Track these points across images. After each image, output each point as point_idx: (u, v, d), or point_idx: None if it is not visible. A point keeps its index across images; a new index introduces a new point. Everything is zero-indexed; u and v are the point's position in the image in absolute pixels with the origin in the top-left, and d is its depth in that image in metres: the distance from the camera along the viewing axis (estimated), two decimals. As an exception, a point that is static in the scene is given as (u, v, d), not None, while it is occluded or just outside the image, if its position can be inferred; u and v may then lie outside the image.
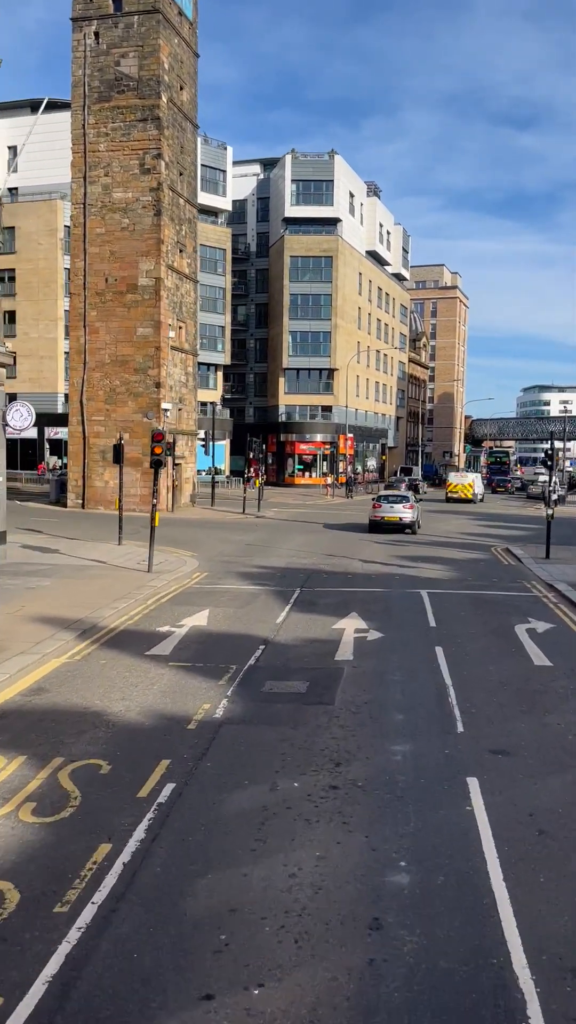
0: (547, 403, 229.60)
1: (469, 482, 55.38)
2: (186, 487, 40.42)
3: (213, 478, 41.61)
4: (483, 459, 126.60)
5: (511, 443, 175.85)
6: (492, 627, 14.93)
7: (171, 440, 36.36)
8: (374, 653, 12.78)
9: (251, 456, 38.62)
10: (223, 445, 62.79)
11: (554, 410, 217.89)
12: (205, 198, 60.87)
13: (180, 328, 39.35)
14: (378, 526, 31.48)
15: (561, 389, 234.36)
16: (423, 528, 33.17)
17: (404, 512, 31.41)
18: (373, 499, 34.44)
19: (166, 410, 37.18)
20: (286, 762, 8.25)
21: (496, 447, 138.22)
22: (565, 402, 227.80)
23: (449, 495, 54.60)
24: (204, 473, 59.14)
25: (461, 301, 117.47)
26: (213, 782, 7.74)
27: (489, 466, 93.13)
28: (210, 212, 62.64)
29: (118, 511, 25.54)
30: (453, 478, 57.31)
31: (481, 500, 56.30)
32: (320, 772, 8.01)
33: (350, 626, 14.63)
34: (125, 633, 13.80)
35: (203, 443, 41.94)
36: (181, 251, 39.26)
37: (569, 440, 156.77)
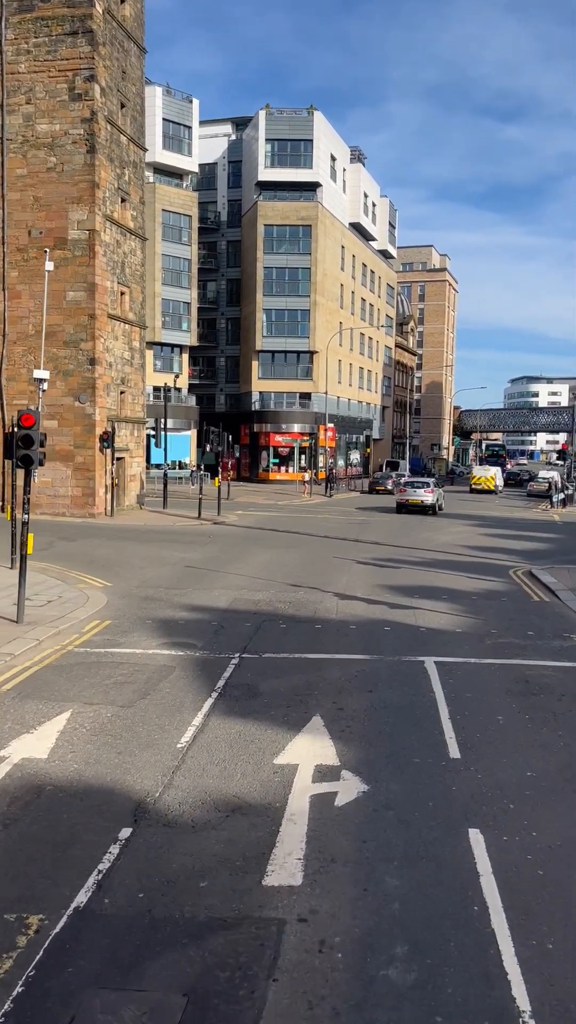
0: (535, 394, 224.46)
1: (491, 475, 60.48)
2: (131, 486, 33.73)
3: (165, 475, 34.94)
4: (472, 451, 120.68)
5: (498, 435, 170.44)
6: (568, 759, 8.40)
7: (109, 429, 29.73)
8: (347, 857, 6.26)
9: (208, 448, 32.00)
10: (188, 436, 56.05)
11: (542, 401, 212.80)
12: (168, 157, 54.05)
13: (123, 294, 32.59)
14: (404, 507, 38.32)
15: (550, 380, 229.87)
16: (419, 542, 26.79)
17: (425, 496, 38.04)
18: (399, 486, 42.54)
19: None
20: None
21: (484, 439, 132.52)
22: (554, 393, 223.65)
23: (473, 487, 59.70)
24: (168, 468, 52.41)
25: (450, 285, 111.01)
26: None
27: (486, 459, 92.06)
28: (173, 174, 55.77)
29: (9, 518, 18.86)
30: (477, 471, 63.15)
31: (501, 492, 59.75)
32: None
33: (308, 759, 8.13)
34: None
35: (153, 433, 35.23)
36: (124, 200, 32.46)
37: (562, 432, 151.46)
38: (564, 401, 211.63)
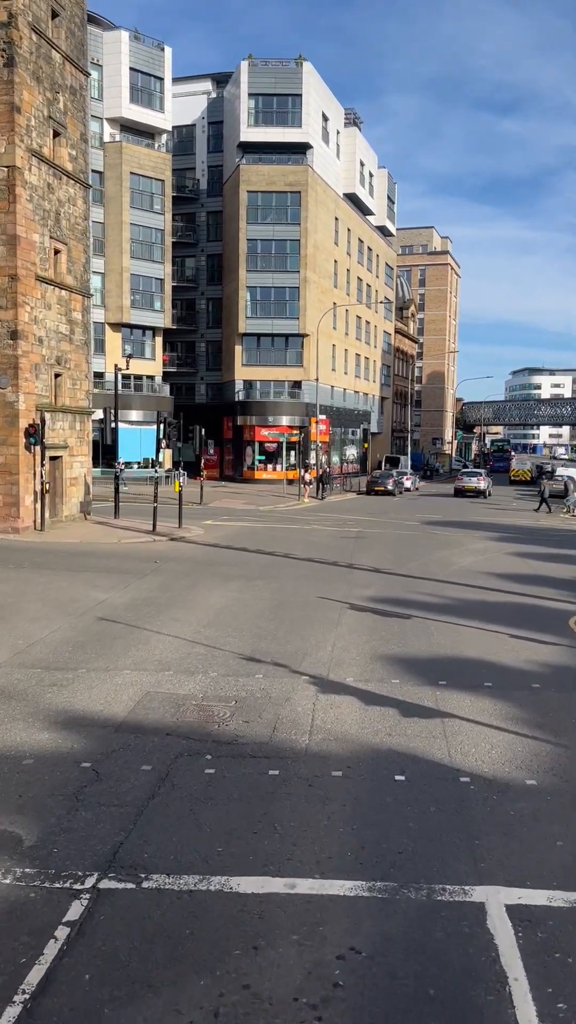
0: (538, 387, 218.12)
1: (528, 468, 67.57)
2: (72, 492, 27.30)
3: (116, 478, 28.47)
4: (475, 446, 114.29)
5: (498, 429, 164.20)
6: None
7: (38, 421, 23.37)
8: None
9: (166, 443, 25.62)
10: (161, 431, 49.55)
11: (545, 393, 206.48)
12: (136, 112, 47.55)
13: (57, 252, 26.15)
14: (461, 492, 48.54)
15: (552, 372, 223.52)
16: (432, 567, 20.42)
17: (479, 483, 48.73)
18: (456, 475, 56.26)
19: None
20: None
21: (486, 432, 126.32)
22: (557, 385, 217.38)
23: (512, 478, 65.57)
24: (137, 467, 46.10)
25: (452, 268, 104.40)
26: None
27: (492, 454, 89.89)
28: (144, 132, 49.27)
29: None
30: (516, 464, 70.87)
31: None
32: None
33: None
34: None
35: (101, 427, 28.79)
36: (58, 135, 25.99)
37: (565, 424, 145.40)
38: (567, 393, 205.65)
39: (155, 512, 25.51)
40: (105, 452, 45.94)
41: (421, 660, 11.66)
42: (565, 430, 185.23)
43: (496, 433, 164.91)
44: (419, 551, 23.41)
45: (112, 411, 28.25)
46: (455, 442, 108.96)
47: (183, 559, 20.79)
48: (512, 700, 9.96)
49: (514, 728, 8.99)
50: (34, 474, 24.41)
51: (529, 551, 24.03)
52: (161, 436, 25.42)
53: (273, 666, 11.18)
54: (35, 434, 23.83)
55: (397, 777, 7.64)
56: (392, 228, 75.19)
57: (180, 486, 26.32)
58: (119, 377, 28.00)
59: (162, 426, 25.57)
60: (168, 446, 26.23)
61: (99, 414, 35.44)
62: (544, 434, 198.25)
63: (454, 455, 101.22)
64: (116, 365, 28.82)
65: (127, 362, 31.20)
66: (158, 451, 26.10)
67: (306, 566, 20.02)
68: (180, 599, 15.58)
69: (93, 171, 47.85)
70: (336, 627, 13.54)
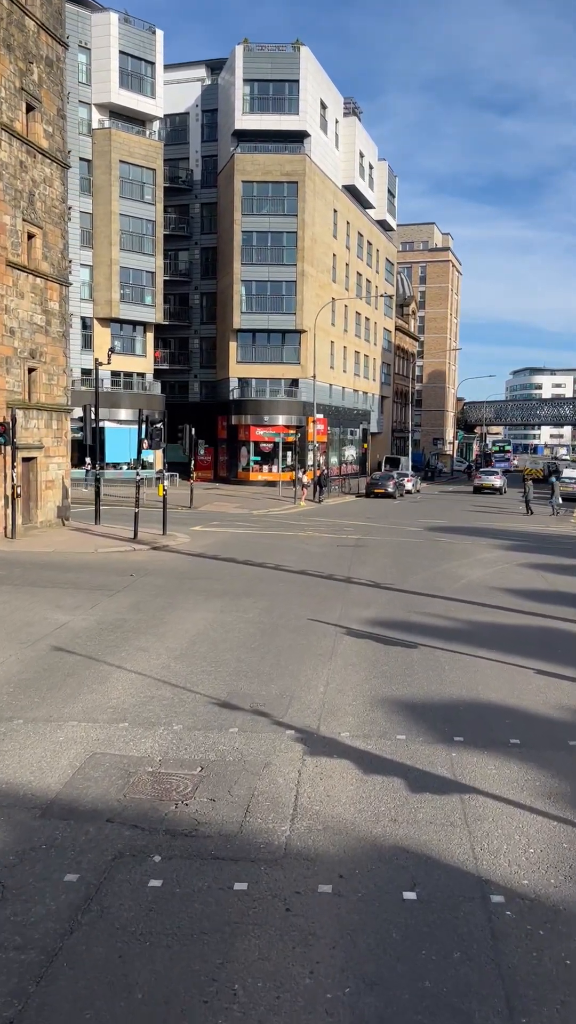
0: (539, 387, 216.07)
1: (540, 467, 71.49)
2: (48, 495, 25.33)
3: (97, 480, 26.49)
4: (476, 447, 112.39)
5: (498, 429, 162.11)
6: None
7: (9, 419, 21.45)
8: None
9: (147, 444, 23.63)
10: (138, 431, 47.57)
11: (546, 393, 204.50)
12: (126, 98, 45.60)
13: (31, 236, 24.18)
14: (480, 489, 52.93)
15: (553, 372, 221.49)
16: (438, 582, 18.46)
17: (495, 481, 53.27)
18: (475, 472, 63.89)
19: None
20: None
21: (486, 433, 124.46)
22: (558, 385, 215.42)
23: (525, 477, 67.57)
24: (126, 467, 44.15)
25: (454, 265, 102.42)
26: None
27: (493, 455, 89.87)
28: (134, 119, 47.31)
29: None
30: (530, 464, 73.34)
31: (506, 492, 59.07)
32: None
33: None
34: None
35: (79, 428, 26.85)
36: (33, 108, 24.02)
37: (566, 425, 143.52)
38: (568, 393, 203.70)
39: (136, 518, 23.53)
40: (93, 453, 43.99)
41: (431, 705, 9.70)
42: (566, 430, 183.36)
43: (496, 433, 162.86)
44: (423, 562, 21.45)
45: (92, 408, 26.22)
46: (456, 442, 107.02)
47: (163, 571, 18.82)
48: (547, 765, 7.99)
49: (555, 811, 7.03)
50: (4, 476, 22.45)
51: (543, 562, 22.06)
52: (143, 436, 23.39)
53: (252, 715, 9.22)
54: (4, 433, 21.86)
55: (406, 895, 5.68)
56: (392, 223, 73.21)
57: (165, 489, 24.34)
58: (99, 372, 25.98)
59: (144, 425, 23.54)
60: (152, 447, 24.21)
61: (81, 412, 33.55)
62: (545, 435, 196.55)
63: (455, 456, 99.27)
64: (96, 359, 26.86)
65: (109, 356, 29.21)
66: (140, 452, 24.04)
67: (299, 580, 18.05)
68: (152, 622, 13.61)
69: (81, 159, 45.96)
70: (330, 659, 11.59)
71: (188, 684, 10.29)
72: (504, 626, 14.10)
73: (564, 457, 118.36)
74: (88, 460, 37.70)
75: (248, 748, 8.26)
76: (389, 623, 13.98)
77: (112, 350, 30.25)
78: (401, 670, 11.12)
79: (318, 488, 42.23)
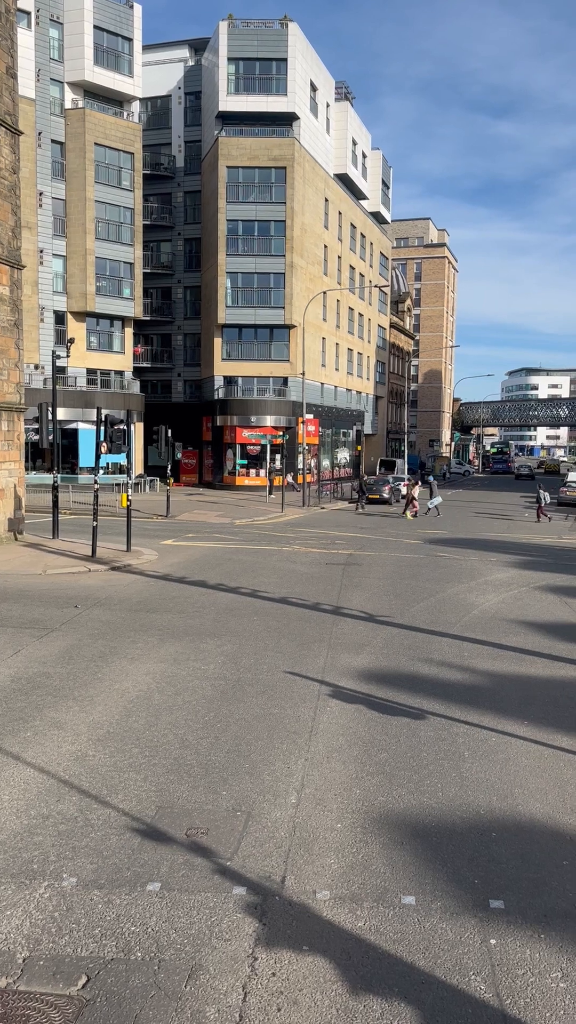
0: (535, 387, 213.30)
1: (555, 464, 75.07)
2: (-3, 506, 22.23)
3: (55, 487, 23.40)
4: (473, 448, 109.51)
5: (494, 430, 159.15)
6: None
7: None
8: None
9: (107, 448, 20.59)
10: (129, 432, 44.47)
11: (542, 394, 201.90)
12: (101, 76, 42.61)
13: (-26, 209, 21.08)
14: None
15: (548, 372, 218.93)
16: (444, 616, 15.40)
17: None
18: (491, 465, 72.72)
19: None
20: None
21: (483, 434, 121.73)
22: (555, 386, 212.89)
23: (547, 469, 71.09)
24: (103, 472, 40.98)
25: (450, 262, 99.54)
26: None
27: (493, 456, 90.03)
28: (110, 99, 44.28)
29: None
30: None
31: None
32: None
33: None
34: None
35: (35, 429, 23.77)
36: (-25, 63, 20.96)
37: (563, 426, 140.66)
38: (565, 393, 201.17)
39: (95, 532, 20.46)
40: (64, 456, 40.91)
41: (450, 830, 6.66)
42: (563, 431, 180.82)
43: (492, 435, 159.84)
44: (425, 584, 18.43)
45: (49, 407, 23.16)
46: (453, 444, 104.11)
47: (115, 600, 15.78)
48: None
49: None
50: None
51: (563, 584, 19.07)
52: (101, 439, 20.34)
53: (187, 853, 6.19)
54: None
55: None
56: (387, 215, 70.24)
57: (129, 499, 21.26)
58: (55, 365, 22.89)
59: (104, 427, 20.49)
60: (111, 451, 21.14)
61: (61, 414, 30.49)
62: (541, 435, 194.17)
63: (452, 458, 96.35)
64: (54, 351, 23.80)
65: (68, 347, 26.20)
66: (98, 458, 20.98)
67: (277, 612, 15.02)
68: (82, 679, 10.57)
69: (53, 141, 42.93)
70: (309, 741, 8.56)
71: (104, 789, 7.26)
72: (532, 680, 11.09)
73: (563, 459, 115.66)
74: (40, 462, 34.83)
75: (170, 931, 5.23)
76: (387, 677, 10.96)
77: (71, 341, 27.11)
78: (405, 761, 8.09)
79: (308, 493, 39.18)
